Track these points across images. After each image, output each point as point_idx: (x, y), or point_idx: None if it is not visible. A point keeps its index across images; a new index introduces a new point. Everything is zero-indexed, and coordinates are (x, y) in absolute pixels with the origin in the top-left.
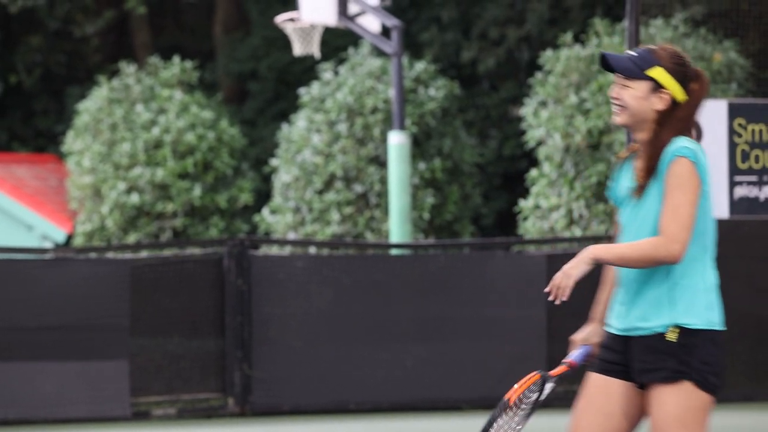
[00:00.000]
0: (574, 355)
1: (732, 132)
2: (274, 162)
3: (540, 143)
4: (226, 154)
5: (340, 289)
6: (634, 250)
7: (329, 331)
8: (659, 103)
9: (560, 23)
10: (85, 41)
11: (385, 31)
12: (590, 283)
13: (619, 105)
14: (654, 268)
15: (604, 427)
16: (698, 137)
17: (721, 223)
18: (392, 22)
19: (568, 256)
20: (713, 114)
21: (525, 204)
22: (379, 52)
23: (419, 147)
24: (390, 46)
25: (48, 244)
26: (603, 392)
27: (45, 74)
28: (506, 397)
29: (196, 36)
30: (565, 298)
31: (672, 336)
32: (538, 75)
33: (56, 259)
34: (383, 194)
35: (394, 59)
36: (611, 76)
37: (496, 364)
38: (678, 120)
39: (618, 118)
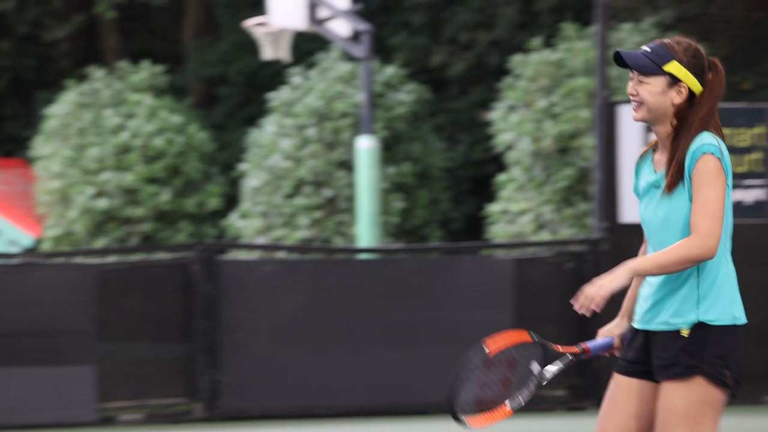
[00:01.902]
0: (593, 342)
1: None
2: (242, 166)
3: (509, 147)
4: (195, 159)
5: (309, 294)
6: (672, 255)
7: (298, 335)
8: (677, 97)
9: (530, 27)
10: (54, 46)
11: (355, 36)
12: (559, 289)
13: (636, 101)
14: None
15: (629, 428)
16: (720, 134)
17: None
18: (362, 26)
19: (537, 261)
20: None
21: (493, 208)
22: (348, 57)
23: (388, 151)
24: (360, 51)
25: (15, 249)
26: (626, 393)
27: (14, 79)
28: (487, 348)
29: (165, 40)
30: (597, 309)
31: (686, 331)
32: (508, 79)
33: (23, 264)
34: (352, 199)
35: (363, 63)
36: (581, 81)
37: None
38: (701, 116)
39: (636, 114)
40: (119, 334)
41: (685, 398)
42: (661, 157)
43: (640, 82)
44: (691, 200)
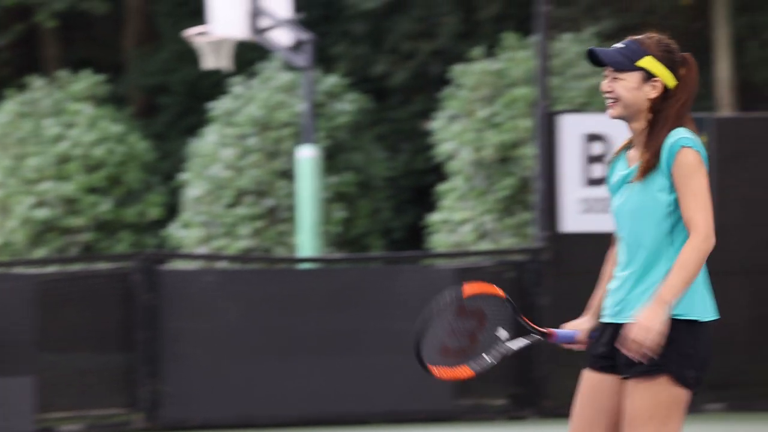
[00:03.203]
0: (559, 330)
1: None
2: (183, 176)
3: (450, 157)
4: (135, 169)
5: (250, 304)
6: (689, 266)
7: (239, 345)
8: (652, 92)
9: (471, 37)
10: None
11: (297, 45)
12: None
13: (612, 98)
14: (653, 259)
15: (600, 423)
16: (695, 130)
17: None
18: (304, 36)
19: (478, 270)
20: (622, 127)
21: (434, 218)
22: (289, 66)
23: (330, 161)
24: (301, 60)
25: None
26: (595, 389)
27: None
28: (464, 290)
29: (106, 49)
30: (654, 355)
31: None
32: (449, 89)
33: None
34: (293, 208)
35: (305, 73)
36: (522, 91)
37: (405, 378)
38: (676, 110)
39: (612, 111)
40: (59, 345)
41: (652, 398)
42: (635, 153)
43: (615, 78)
44: (668, 192)
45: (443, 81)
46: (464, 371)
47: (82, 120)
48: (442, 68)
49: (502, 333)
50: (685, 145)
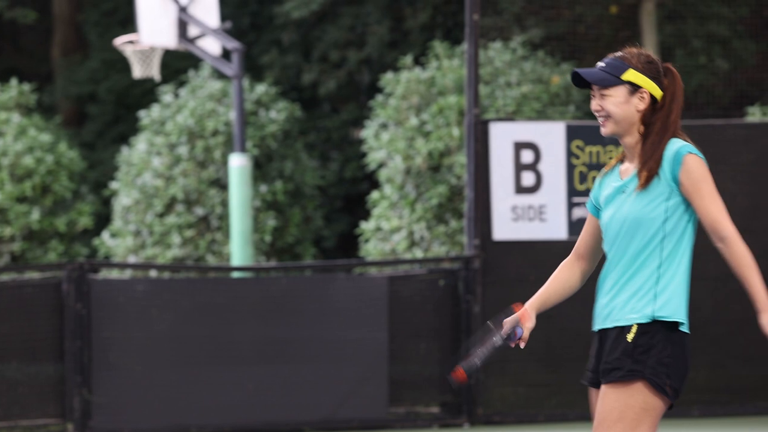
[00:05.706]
0: (518, 328)
1: (570, 154)
2: (114, 185)
3: (381, 165)
4: (65, 178)
5: (181, 313)
6: (752, 264)
7: (170, 354)
8: (641, 104)
9: (400, 46)
10: None
11: (226, 54)
12: (432, 306)
13: (602, 116)
14: (642, 265)
15: None
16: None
17: (560, 244)
18: (233, 44)
19: (410, 278)
20: (551, 136)
21: (366, 226)
22: (219, 75)
23: (261, 169)
24: (231, 69)
25: None
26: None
27: None
28: (517, 311)
29: (34, 59)
30: None
31: (630, 336)
32: (379, 97)
33: None
34: (224, 217)
35: (234, 82)
36: (451, 99)
37: (339, 385)
38: (671, 121)
39: (605, 129)
40: None
41: (623, 402)
42: (629, 166)
43: (603, 95)
44: (666, 200)
45: (373, 89)
46: (461, 374)
47: (10, 129)
48: (372, 77)
49: (497, 338)
50: (690, 152)
